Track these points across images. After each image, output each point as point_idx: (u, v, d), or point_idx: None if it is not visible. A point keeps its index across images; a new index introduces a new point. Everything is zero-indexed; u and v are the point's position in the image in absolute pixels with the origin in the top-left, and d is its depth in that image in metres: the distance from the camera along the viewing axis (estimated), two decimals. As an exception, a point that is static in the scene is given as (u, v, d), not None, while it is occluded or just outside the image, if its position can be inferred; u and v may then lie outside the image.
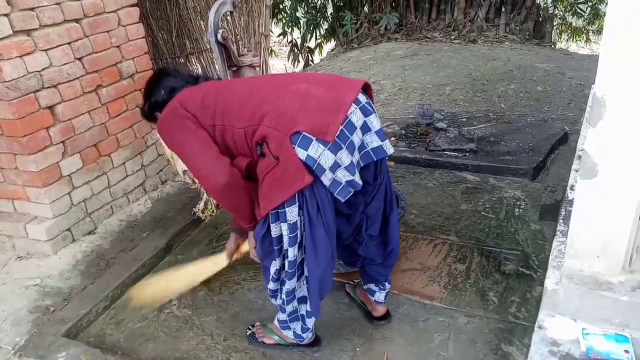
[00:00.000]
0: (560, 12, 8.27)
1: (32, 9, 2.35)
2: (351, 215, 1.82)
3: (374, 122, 1.65)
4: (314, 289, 1.74)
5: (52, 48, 2.47)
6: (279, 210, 1.62)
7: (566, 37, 8.72)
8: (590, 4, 7.95)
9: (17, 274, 2.51)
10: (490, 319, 2.07)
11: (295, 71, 7.79)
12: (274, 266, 1.74)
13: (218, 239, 2.76)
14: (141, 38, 3.01)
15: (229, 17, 3.15)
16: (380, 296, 2.03)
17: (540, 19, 7.22)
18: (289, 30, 8.21)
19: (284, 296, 1.78)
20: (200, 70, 3.70)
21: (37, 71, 2.41)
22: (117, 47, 2.85)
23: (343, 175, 1.57)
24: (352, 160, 1.57)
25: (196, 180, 2.53)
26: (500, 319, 2.06)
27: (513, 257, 2.43)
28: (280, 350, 1.98)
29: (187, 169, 2.46)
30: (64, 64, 2.54)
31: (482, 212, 2.85)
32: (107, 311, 2.29)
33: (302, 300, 1.81)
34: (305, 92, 1.61)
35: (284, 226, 1.63)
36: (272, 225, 1.66)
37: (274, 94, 1.63)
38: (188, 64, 3.71)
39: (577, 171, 1.95)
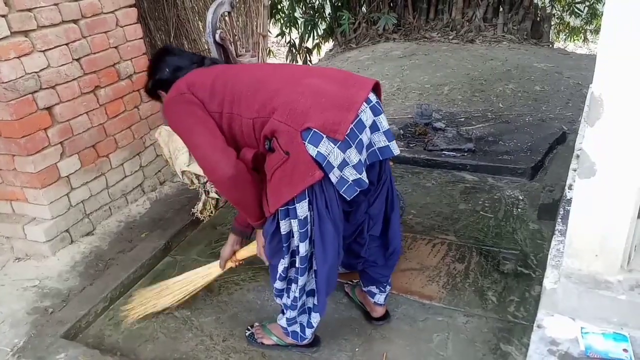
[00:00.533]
0: (558, 12, 8.28)
1: (29, 10, 2.34)
2: (351, 213, 1.82)
3: (383, 122, 1.65)
4: (322, 283, 1.72)
5: (50, 49, 2.46)
6: (289, 207, 1.59)
7: (564, 37, 8.74)
8: (587, 3, 7.97)
9: (16, 276, 2.50)
10: (489, 318, 2.07)
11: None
12: (282, 264, 1.71)
13: (217, 240, 2.76)
14: (139, 39, 3.01)
15: (227, 18, 3.15)
16: (380, 298, 2.02)
17: (538, 19, 7.23)
18: (287, 31, 8.20)
19: (296, 294, 1.74)
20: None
21: (35, 72, 2.40)
22: (115, 47, 2.85)
23: (350, 174, 1.56)
24: (360, 159, 1.57)
25: (194, 181, 2.53)
26: (499, 319, 2.06)
27: (512, 256, 2.44)
28: (279, 351, 1.98)
29: (185, 169, 2.47)
30: (62, 65, 2.54)
31: (481, 212, 2.85)
32: (105, 312, 2.28)
33: (310, 293, 1.80)
34: (317, 88, 1.59)
35: (294, 222, 1.61)
36: (282, 222, 1.63)
37: (285, 88, 1.61)
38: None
39: (575, 170, 1.95)
